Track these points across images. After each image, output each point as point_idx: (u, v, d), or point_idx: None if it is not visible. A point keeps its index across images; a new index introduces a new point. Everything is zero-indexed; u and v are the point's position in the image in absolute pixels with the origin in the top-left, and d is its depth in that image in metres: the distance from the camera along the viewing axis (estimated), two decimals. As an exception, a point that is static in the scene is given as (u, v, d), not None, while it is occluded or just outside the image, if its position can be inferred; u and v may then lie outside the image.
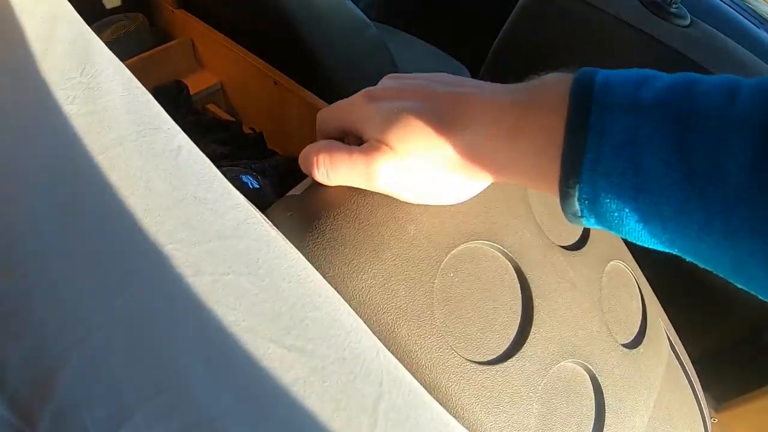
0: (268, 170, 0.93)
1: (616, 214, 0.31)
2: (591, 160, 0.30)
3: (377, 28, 1.54)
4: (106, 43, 1.27)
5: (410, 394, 0.36)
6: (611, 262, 0.58)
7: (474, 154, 0.37)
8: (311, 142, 1.03)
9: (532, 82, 0.36)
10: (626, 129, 0.29)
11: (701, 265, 0.31)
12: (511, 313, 0.48)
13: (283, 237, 0.43)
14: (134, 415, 0.31)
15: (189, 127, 1.08)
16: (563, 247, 0.54)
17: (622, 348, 0.55)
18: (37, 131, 0.48)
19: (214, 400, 0.32)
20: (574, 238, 0.57)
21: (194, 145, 0.50)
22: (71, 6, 0.70)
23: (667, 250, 0.32)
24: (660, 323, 0.61)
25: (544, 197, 0.55)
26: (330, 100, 1.02)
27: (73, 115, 0.49)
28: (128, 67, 0.55)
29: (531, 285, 0.49)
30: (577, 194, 0.32)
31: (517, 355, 0.46)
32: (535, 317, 0.48)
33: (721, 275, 0.30)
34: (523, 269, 0.49)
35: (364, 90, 0.45)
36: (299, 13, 1.00)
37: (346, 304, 0.39)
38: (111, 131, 0.49)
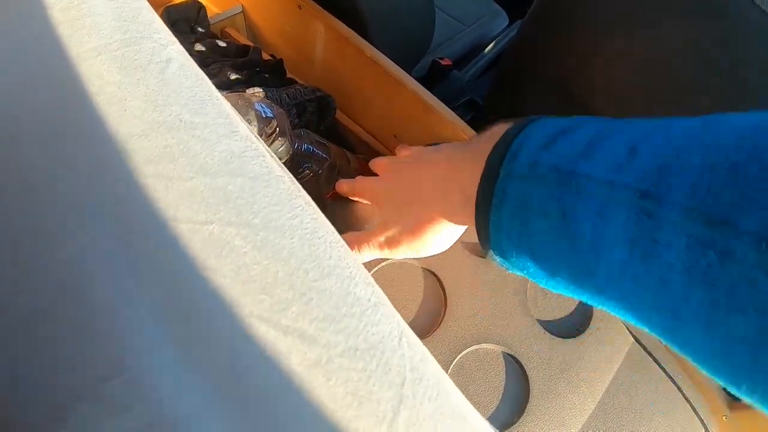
0: (285, 99, 0.83)
1: (524, 271, 0.32)
2: (494, 223, 0.32)
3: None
4: None
5: (438, 397, 0.26)
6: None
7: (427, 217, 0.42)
8: (336, 73, 0.91)
9: (477, 139, 0.38)
10: (520, 194, 0.30)
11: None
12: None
13: (291, 177, 0.33)
14: (69, 416, 0.22)
15: (204, 52, 0.98)
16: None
17: (553, 337, 0.65)
18: (11, 39, 0.38)
19: (180, 395, 0.22)
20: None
21: (188, 58, 0.39)
22: None
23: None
24: (615, 319, 0.65)
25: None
26: (357, 29, 0.91)
27: (51, 23, 0.39)
28: None
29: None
30: (490, 249, 0.33)
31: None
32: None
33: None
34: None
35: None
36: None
37: (364, 269, 0.29)
38: (89, 40, 0.38)
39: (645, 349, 0.66)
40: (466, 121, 0.76)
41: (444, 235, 0.43)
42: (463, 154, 0.39)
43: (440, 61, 1.26)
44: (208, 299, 0.24)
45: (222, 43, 1.02)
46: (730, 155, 0.22)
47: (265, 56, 1.03)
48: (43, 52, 0.36)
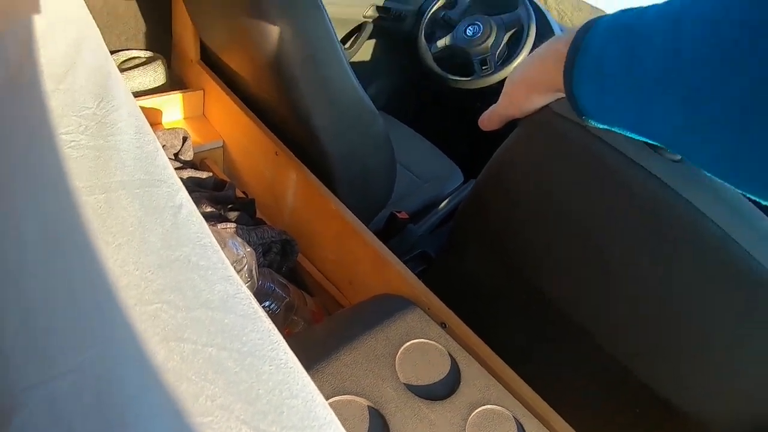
0: (254, 239, 0.93)
1: (596, 106, 0.47)
2: (578, 68, 0.46)
3: (383, 118, 1.60)
4: (122, 70, 1.30)
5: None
6: (483, 407, 0.68)
7: (531, 75, 0.62)
8: (302, 219, 1.04)
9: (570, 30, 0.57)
10: (598, 44, 0.45)
11: (665, 147, 0.46)
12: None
13: (268, 317, 0.43)
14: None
15: (184, 180, 1.09)
16: (429, 398, 0.66)
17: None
18: (42, 152, 0.48)
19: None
20: (440, 392, 0.68)
21: (194, 206, 0.51)
22: (98, 31, 0.72)
23: (639, 138, 0.46)
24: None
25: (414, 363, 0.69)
26: (327, 184, 1.04)
27: (81, 146, 0.50)
28: (140, 102, 0.57)
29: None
30: (573, 93, 0.48)
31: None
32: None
33: (675, 151, 0.48)
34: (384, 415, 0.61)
35: None
36: (315, 96, 1.03)
37: (321, 396, 0.39)
38: (116, 173, 0.49)
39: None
40: (418, 272, 0.87)
41: (539, 93, 0.63)
42: (563, 34, 0.57)
43: (398, 214, 1.40)
44: (205, 403, 0.33)
45: (202, 175, 1.14)
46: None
47: (239, 193, 1.16)
48: (70, 171, 0.47)
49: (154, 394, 0.33)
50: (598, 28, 0.45)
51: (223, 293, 0.41)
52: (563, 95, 0.55)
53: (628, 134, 0.46)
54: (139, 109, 0.61)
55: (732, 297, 0.65)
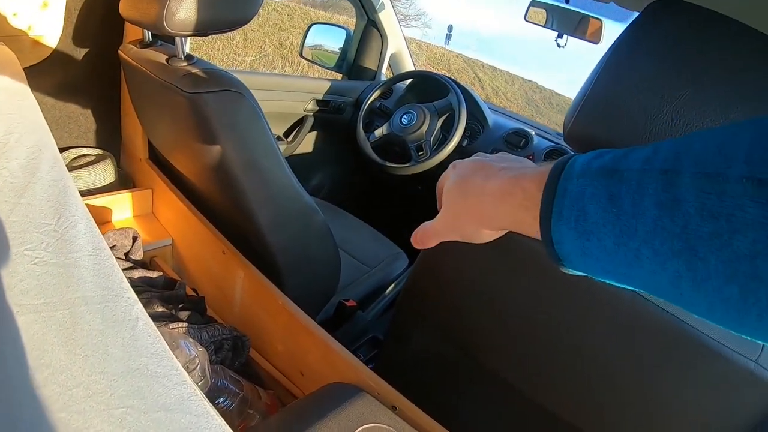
0: (205, 337, 0.98)
1: (577, 253, 0.43)
2: (556, 213, 0.43)
3: (325, 208, 1.68)
4: (73, 168, 1.36)
5: None
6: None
7: (485, 212, 0.55)
8: (251, 314, 1.09)
9: (533, 165, 0.52)
10: (577, 188, 0.42)
11: (651, 294, 0.43)
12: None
13: (218, 414, 0.48)
14: None
15: (134, 281, 1.13)
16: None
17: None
18: (10, 272, 0.53)
19: None
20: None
21: (148, 318, 0.56)
22: (54, 143, 0.77)
23: (619, 285, 0.44)
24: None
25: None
26: (273, 279, 1.10)
27: (45, 262, 0.55)
28: (90, 201, 0.63)
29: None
30: (551, 239, 0.45)
31: None
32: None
33: (667, 300, 0.40)
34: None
35: (453, 162, 0.63)
36: (257, 195, 1.11)
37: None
38: (78, 289, 0.55)
39: None
40: (370, 357, 0.92)
41: (492, 231, 0.58)
42: (527, 171, 0.51)
43: (346, 302, 1.45)
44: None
45: (153, 274, 1.18)
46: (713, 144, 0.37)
47: (189, 290, 1.20)
48: (36, 286, 0.52)
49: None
50: (572, 170, 0.44)
51: (179, 396, 0.47)
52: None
53: (610, 281, 0.45)
54: (94, 224, 0.66)
55: (661, 354, 0.72)
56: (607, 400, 0.80)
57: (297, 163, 1.38)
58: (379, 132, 2.02)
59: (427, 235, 0.67)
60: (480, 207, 0.57)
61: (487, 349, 0.92)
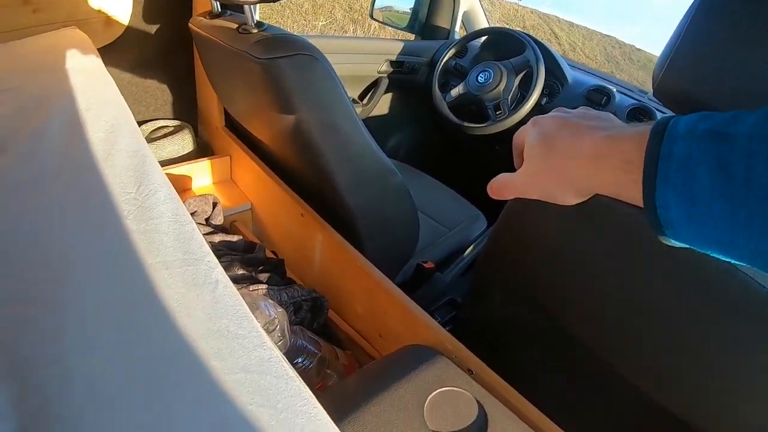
0: (284, 298, 1.00)
1: (682, 219, 0.42)
2: (662, 177, 0.41)
3: (402, 169, 1.67)
4: (152, 140, 1.43)
5: None
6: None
7: (576, 174, 0.52)
8: (330, 276, 1.11)
9: (630, 124, 0.49)
10: (684, 151, 0.40)
11: (759, 267, 0.41)
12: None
13: (297, 376, 0.49)
14: None
15: (216, 245, 1.17)
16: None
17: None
18: (95, 239, 0.56)
19: None
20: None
21: (229, 280, 0.58)
22: (132, 116, 0.81)
23: (722, 256, 0.42)
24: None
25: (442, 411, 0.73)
26: (352, 242, 1.11)
27: (128, 230, 0.58)
28: (170, 170, 0.65)
29: None
30: (655, 204, 0.43)
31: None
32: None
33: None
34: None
35: (533, 117, 0.60)
36: (334, 158, 1.12)
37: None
38: (159, 254, 0.57)
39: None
40: (448, 319, 0.92)
41: (581, 194, 0.55)
42: (623, 131, 0.49)
43: (424, 264, 1.46)
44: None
45: (233, 238, 1.22)
46: None
47: (269, 253, 1.23)
48: (122, 254, 0.55)
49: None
50: (676, 131, 0.42)
51: (259, 358, 0.48)
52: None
53: (713, 253, 0.43)
54: (174, 191, 0.69)
55: (756, 329, 0.68)
56: (698, 380, 0.76)
57: (373, 125, 1.38)
58: (455, 92, 1.98)
59: (506, 188, 0.65)
60: (569, 168, 0.54)
61: (570, 314, 0.90)
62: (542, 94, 1.86)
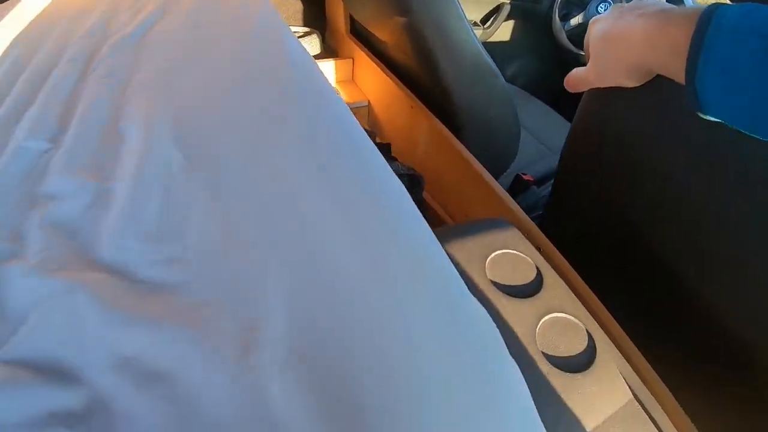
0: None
1: (719, 104, 0.48)
2: (702, 63, 0.47)
3: (518, 93, 1.73)
4: None
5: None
6: (558, 314, 0.73)
7: (633, 60, 0.60)
8: (431, 160, 1.22)
9: (679, 8, 0.55)
10: (728, 48, 0.46)
11: None
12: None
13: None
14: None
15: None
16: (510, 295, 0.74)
17: (554, 370, 0.67)
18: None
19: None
20: (521, 292, 0.75)
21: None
22: (277, 13, 0.94)
23: (752, 133, 0.48)
24: (613, 368, 0.69)
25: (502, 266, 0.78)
26: (455, 132, 1.21)
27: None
28: None
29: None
30: (696, 85, 0.49)
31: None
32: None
33: None
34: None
35: (593, 18, 0.69)
36: (444, 56, 1.22)
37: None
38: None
39: (643, 406, 0.67)
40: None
41: (641, 76, 0.64)
42: (668, 16, 0.54)
43: (523, 175, 1.52)
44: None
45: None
46: None
47: (379, 140, 1.36)
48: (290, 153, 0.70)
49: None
50: (722, 26, 0.46)
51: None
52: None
53: (747, 132, 0.48)
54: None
55: None
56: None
57: (493, 49, 1.43)
58: (575, 21, 1.98)
59: (580, 80, 0.73)
60: (627, 56, 0.61)
61: (651, 228, 0.85)
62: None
